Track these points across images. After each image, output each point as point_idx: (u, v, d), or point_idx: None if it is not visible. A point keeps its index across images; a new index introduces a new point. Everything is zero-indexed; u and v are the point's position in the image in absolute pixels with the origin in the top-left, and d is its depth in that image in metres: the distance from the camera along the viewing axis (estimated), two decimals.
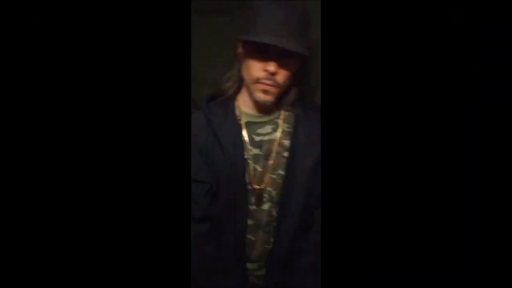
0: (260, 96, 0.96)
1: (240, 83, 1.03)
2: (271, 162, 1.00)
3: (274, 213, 1.00)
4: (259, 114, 1.03)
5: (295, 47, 0.90)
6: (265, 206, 1.00)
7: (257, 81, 0.95)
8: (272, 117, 1.03)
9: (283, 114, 1.03)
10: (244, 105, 1.04)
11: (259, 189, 1.00)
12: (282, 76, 0.95)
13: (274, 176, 1.01)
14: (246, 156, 1.00)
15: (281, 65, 0.93)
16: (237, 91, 1.04)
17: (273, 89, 0.95)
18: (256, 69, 0.94)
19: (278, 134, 1.02)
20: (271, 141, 1.02)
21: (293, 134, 1.02)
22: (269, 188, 1.00)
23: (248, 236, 1.01)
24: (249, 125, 1.02)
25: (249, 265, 1.02)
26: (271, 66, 0.92)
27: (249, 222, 1.00)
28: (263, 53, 0.93)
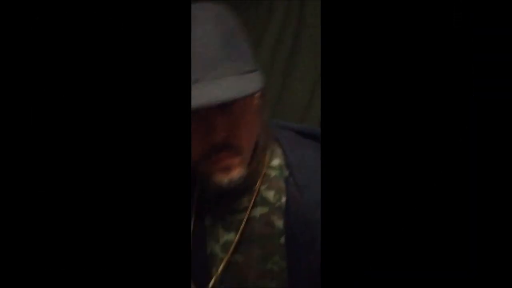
0: (223, 178, 0.65)
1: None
2: (259, 251, 0.69)
3: None
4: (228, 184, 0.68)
5: (246, 87, 0.61)
6: None
7: (206, 160, 0.65)
8: (247, 184, 0.70)
9: (261, 177, 0.70)
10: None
11: None
12: (239, 133, 0.64)
13: (272, 267, 0.70)
14: (210, 249, 0.69)
15: (230, 120, 0.63)
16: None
17: (236, 160, 0.65)
18: (196, 145, 0.63)
19: (263, 210, 0.70)
20: (255, 222, 0.70)
21: (287, 209, 0.69)
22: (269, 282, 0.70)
23: None
24: (215, 200, 0.71)
25: None
26: (216, 135, 0.62)
27: None
28: (197, 118, 0.63)
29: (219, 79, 0.60)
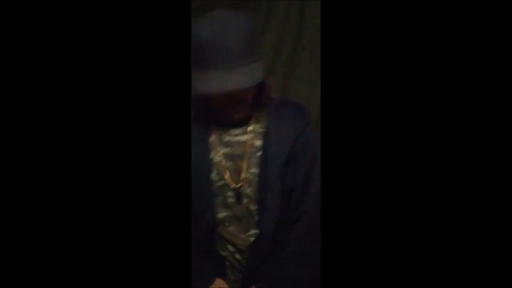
0: (233, 114, 1.00)
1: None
2: (244, 162, 1.04)
3: (252, 208, 1.05)
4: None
5: (248, 81, 0.91)
6: (243, 201, 1.05)
7: (222, 107, 0.99)
8: (243, 120, 1.06)
9: (255, 117, 1.06)
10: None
11: (237, 187, 1.05)
12: (245, 98, 0.98)
13: (248, 175, 1.05)
14: (212, 156, 1.05)
15: (239, 93, 0.95)
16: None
17: (241, 107, 1.00)
18: (217, 100, 0.97)
19: (249, 135, 1.05)
20: (241, 143, 1.06)
21: (265, 134, 1.05)
22: (245, 186, 1.05)
23: (227, 228, 1.06)
24: (219, 125, 1.06)
25: (230, 247, 1.08)
26: (233, 96, 0.94)
27: (228, 214, 1.05)
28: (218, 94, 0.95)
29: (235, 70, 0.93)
